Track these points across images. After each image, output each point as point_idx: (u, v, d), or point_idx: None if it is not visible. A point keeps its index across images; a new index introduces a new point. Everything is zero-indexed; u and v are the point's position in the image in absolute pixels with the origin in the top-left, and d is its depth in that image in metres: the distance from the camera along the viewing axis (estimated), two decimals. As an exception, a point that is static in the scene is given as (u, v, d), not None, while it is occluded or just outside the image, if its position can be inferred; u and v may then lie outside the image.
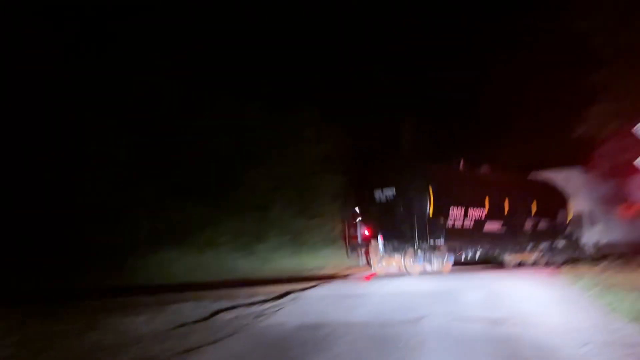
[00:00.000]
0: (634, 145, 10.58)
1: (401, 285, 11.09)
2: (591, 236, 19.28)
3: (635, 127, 8.96)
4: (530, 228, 16.23)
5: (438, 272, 13.53)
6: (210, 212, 18.34)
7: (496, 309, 7.27)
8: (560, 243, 17.49)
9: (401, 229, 13.24)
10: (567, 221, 17.92)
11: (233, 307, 8.35)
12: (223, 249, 16.73)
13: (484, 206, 14.61)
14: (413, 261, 13.35)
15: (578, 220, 18.82)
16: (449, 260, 13.90)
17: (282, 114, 22.47)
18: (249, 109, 21.05)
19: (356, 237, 14.28)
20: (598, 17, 14.34)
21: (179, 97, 20.08)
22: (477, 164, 16.73)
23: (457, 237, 13.85)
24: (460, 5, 29.07)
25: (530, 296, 8.67)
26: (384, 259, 13.70)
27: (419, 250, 13.13)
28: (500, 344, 5.15)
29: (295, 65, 24.50)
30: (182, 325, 7.18)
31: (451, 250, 13.89)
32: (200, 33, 21.27)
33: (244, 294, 9.98)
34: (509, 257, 16.28)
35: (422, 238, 12.94)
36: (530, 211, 16.27)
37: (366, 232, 14.02)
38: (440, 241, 13.23)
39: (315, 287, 10.82)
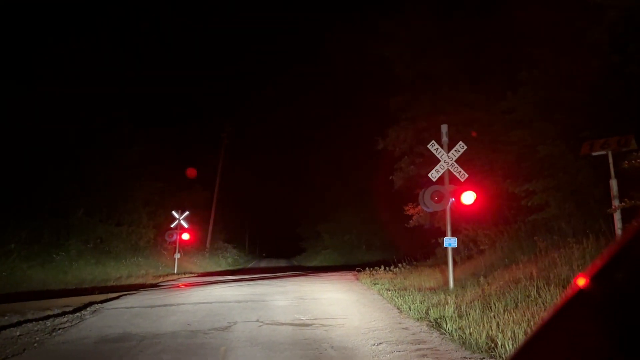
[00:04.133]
0: (429, 159, 11.99)
1: (212, 293, 10.96)
2: None
3: (429, 144, 10.17)
4: None
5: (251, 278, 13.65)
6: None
7: (304, 312, 7.60)
8: None
9: None
10: None
11: (22, 322, 7.32)
12: (12, 257, 14.65)
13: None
14: None
15: None
16: None
17: (92, 112, 20.78)
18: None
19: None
20: (396, 46, 15.96)
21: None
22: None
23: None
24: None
25: (335, 300, 9.24)
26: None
27: None
28: (307, 346, 5.40)
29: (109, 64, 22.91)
30: (-47, 346, 6.11)
31: None
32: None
33: (37, 307, 8.86)
34: None
35: None
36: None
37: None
38: None
39: (120, 298, 10.17)
